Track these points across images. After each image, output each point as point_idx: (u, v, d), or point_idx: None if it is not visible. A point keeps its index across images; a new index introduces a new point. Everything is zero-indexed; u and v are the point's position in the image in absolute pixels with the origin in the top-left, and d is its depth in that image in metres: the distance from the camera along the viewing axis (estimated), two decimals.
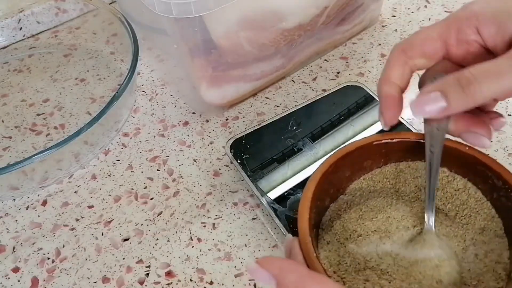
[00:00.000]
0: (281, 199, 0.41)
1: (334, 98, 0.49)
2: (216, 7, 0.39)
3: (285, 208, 0.40)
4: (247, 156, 0.45)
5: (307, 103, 0.49)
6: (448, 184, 0.35)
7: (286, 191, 0.42)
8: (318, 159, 0.44)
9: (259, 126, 0.47)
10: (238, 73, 0.49)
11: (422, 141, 0.34)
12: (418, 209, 0.35)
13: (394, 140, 0.34)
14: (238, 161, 0.44)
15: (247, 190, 0.45)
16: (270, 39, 0.47)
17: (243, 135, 0.46)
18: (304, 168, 0.43)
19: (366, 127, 0.46)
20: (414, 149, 0.35)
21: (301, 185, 0.42)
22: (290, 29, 0.47)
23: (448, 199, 0.35)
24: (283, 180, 0.43)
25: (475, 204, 0.34)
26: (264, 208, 0.42)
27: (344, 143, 0.45)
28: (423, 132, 0.34)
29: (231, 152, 0.45)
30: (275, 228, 0.42)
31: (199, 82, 0.47)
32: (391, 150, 0.35)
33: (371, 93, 0.49)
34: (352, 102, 0.49)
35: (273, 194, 0.42)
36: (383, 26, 0.60)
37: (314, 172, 0.32)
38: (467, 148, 0.33)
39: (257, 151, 0.45)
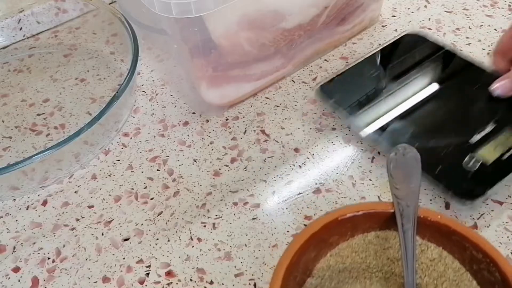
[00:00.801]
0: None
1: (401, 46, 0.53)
2: (216, 7, 0.39)
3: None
4: (335, 99, 0.48)
5: (391, 42, 0.53)
6: (422, 254, 0.33)
7: (379, 127, 0.45)
8: (407, 98, 0.47)
9: (344, 70, 0.50)
10: (238, 73, 0.49)
11: (390, 211, 0.33)
12: (395, 287, 0.33)
13: (360, 213, 0.33)
14: (332, 100, 0.48)
15: (247, 190, 0.45)
16: (270, 39, 0.47)
17: (331, 78, 0.49)
18: (394, 108, 0.46)
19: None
20: (382, 219, 0.33)
21: (396, 119, 0.45)
22: (290, 29, 0.47)
23: (424, 271, 0.33)
24: (374, 119, 0.46)
25: (454, 275, 0.32)
26: (264, 209, 0.42)
27: (427, 87, 0.48)
28: (390, 201, 0.33)
29: (321, 97, 0.48)
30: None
31: (199, 82, 0.47)
32: (358, 222, 0.33)
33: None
34: (425, 48, 0.52)
35: (368, 131, 0.45)
36: (383, 26, 0.60)
37: (278, 264, 0.30)
38: (439, 216, 0.31)
39: (345, 94, 0.48)
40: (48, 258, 0.42)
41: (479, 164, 0.41)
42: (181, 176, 0.46)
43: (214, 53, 0.45)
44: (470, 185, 0.40)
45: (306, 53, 0.54)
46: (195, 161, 0.48)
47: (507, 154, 0.41)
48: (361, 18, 0.56)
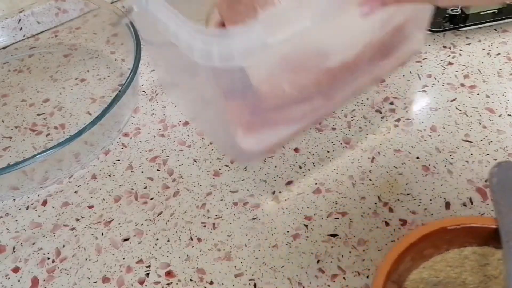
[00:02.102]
0: None
1: None
2: (261, 52, 0.33)
3: None
4: None
5: None
6: None
7: None
8: None
9: None
10: (277, 116, 0.44)
11: (490, 227, 0.32)
12: None
13: (459, 227, 0.32)
14: None
15: (247, 190, 0.45)
16: (312, 79, 0.44)
17: None
18: None
19: None
20: (481, 234, 0.32)
21: None
22: (334, 68, 0.44)
23: None
24: None
25: None
26: (264, 209, 0.42)
27: None
28: (491, 217, 0.32)
29: None
30: None
31: (235, 128, 0.42)
32: (455, 236, 0.32)
33: None
34: None
35: None
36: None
37: (376, 274, 0.29)
38: None
39: None
40: (48, 258, 0.42)
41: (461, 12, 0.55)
42: (181, 176, 0.46)
43: (252, 96, 0.41)
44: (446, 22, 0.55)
45: (348, 91, 0.49)
46: (195, 161, 0.48)
47: (484, 13, 0.55)
48: (404, 51, 0.52)
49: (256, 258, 0.40)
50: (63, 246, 0.42)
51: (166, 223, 0.43)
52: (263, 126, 0.44)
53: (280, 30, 0.33)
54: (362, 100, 0.51)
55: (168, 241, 0.42)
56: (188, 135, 0.50)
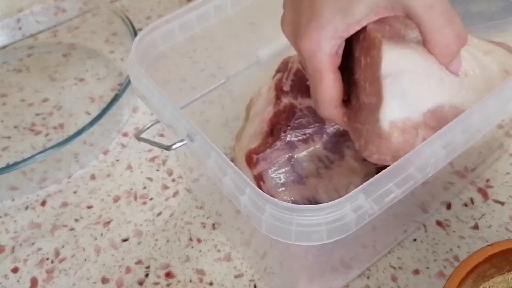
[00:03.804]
0: None
1: None
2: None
3: None
4: None
5: None
6: None
7: None
8: None
9: None
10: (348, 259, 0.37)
11: None
12: None
13: None
14: None
15: None
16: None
17: None
18: None
19: None
20: None
21: None
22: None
23: None
24: None
25: None
26: None
27: None
28: None
29: None
30: None
31: (297, 274, 0.36)
32: None
33: None
34: None
35: None
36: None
37: None
38: None
39: None
40: (47, 259, 0.42)
41: None
42: (181, 176, 0.46)
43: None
44: None
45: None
46: None
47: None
48: None
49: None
50: (62, 247, 0.42)
51: (165, 224, 0.43)
52: (331, 269, 0.37)
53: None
54: None
55: (168, 241, 0.42)
56: None
